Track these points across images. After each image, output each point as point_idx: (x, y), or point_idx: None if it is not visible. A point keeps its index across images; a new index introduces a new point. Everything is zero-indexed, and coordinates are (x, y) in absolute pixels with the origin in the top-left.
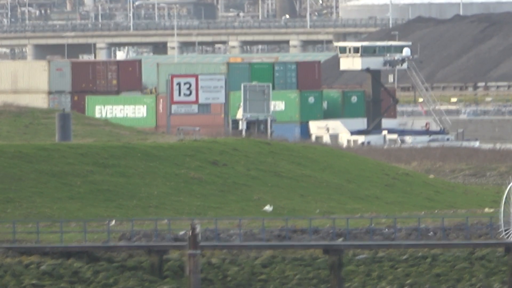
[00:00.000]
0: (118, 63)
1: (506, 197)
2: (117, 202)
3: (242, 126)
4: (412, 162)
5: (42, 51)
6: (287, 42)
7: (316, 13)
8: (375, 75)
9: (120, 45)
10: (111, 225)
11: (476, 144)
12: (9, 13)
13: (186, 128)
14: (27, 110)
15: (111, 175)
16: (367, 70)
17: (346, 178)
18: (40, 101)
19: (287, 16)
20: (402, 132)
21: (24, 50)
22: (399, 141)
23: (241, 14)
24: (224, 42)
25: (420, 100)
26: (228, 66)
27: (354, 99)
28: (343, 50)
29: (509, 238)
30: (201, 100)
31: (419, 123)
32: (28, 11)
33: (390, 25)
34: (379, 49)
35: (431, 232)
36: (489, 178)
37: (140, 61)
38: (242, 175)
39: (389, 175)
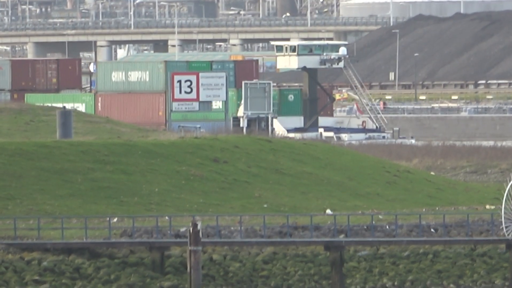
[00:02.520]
0: (58, 61)
1: (507, 194)
2: (118, 199)
3: (243, 123)
4: (413, 159)
5: (43, 49)
6: (288, 40)
7: (316, 11)
8: (312, 73)
9: (120, 43)
10: (112, 222)
11: (412, 142)
12: (10, 11)
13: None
14: (28, 107)
15: (112, 172)
16: (304, 69)
17: (347, 175)
18: None
19: (288, 14)
20: (338, 130)
21: (24, 47)
22: (335, 139)
23: (242, 12)
24: (224, 40)
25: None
26: (166, 64)
27: (291, 97)
28: (280, 49)
29: (510, 234)
30: (201, 98)
31: (355, 122)
32: (29, 9)
33: (391, 23)
34: (316, 48)
35: (433, 229)
36: (490, 175)
37: (80, 60)
38: (243, 172)
39: (390, 172)
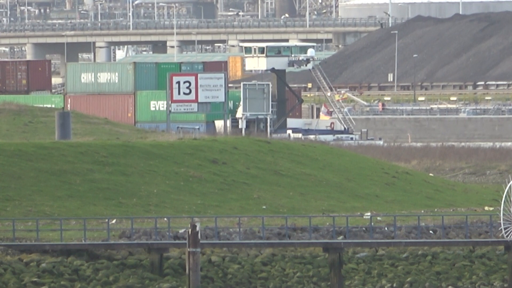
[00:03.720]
0: (28, 63)
1: (506, 196)
2: (116, 201)
3: (241, 124)
4: (412, 160)
5: (42, 50)
6: (287, 41)
7: (315, 12)
8: (280, 75)
9: (119, 44)
10: (111, 224)
11: (381, 143)
12: (9, 12)
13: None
14: (27, 109)
15: (110, 173)
16: (272, 70)
17: (346, 176)
18: None
19: (287, 15)
20: (306, 132)
21: (23, 49)
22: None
23: (241, 13)
24: (223, 41)
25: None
26: (135, 66)
27: None
28: (248, 50)
29: (509, 236)
30: (200, 99)
31: (324, 123)
32: (28, 10)
33: (390, 24)
34: (284, 50)
35: (431, 231)
36: (489, 176)
37: (49, 62)
38: (241, 174)
39: (389, 174)
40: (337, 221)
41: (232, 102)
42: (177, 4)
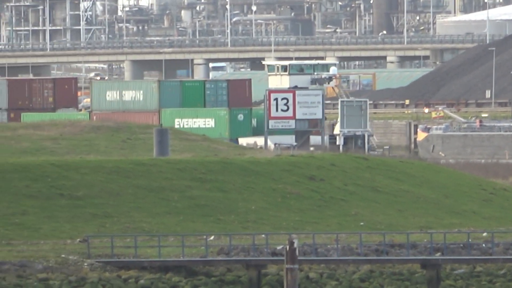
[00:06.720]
0: (55, 80)
1: None
2: (215, 217)
3: (339, 141)
4: (509, 177)
5: (140, 67)
6: (384, 58)
7: (413, 29)
8: None
9: (217, 61)
10: (209, 240)
11: None
12: (107, 29)
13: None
14: (125, 125)
15: (209, 190)
16: (295, 88)
17: (443, 193)
18: None
19: (384, 32)
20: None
21: (121, 66)
22: None
23: (338, 30)
24: (321, 58)
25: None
26: (160, 84)
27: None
28: (271, 69)
29: None
30: (298, 116)
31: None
32: (126, 27)
33: (487, 41)
34: (307, 68)
35: None
36: None
37: (76, 79)
38: (339, 190)
39: (487, 190)
40: (435, 238)
41: (255, 119)
42: (275, 21)
